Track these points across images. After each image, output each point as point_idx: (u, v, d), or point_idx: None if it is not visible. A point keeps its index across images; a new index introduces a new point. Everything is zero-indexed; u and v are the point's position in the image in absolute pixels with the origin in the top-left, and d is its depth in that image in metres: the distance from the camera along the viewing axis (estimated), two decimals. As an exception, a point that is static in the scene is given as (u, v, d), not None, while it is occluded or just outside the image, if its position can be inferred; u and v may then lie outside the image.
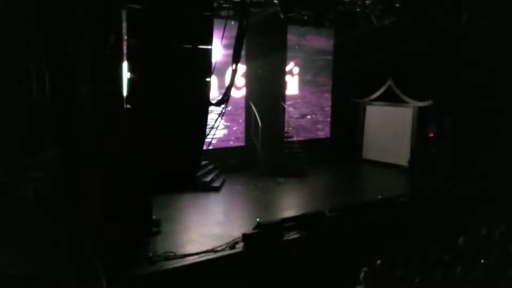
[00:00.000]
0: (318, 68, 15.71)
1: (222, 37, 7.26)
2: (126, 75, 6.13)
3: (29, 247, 5.05)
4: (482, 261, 7.01)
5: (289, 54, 14.84)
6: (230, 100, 13.22)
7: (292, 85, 15.38)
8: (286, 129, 14.84)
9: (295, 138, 14.55)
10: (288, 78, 15.10)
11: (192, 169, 6.88)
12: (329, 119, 16.17)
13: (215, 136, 11.29)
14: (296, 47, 15.05)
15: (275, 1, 11.17)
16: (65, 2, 6.46)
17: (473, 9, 11.63)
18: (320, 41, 15.54)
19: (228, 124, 13.87)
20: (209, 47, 6.15)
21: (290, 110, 14.85)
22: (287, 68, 15.01)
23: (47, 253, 5.14)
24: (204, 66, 6.19)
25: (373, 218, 9.37)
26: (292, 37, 14.81)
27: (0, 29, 5.99)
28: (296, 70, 15.35)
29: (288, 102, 14.99)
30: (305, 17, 11.22)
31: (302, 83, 15.48)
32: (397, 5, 10.97)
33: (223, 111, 7.27)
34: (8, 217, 5.16)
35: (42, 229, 5.23)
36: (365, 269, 6.63)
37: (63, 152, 6.07)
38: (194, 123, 6.44)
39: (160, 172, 6.55)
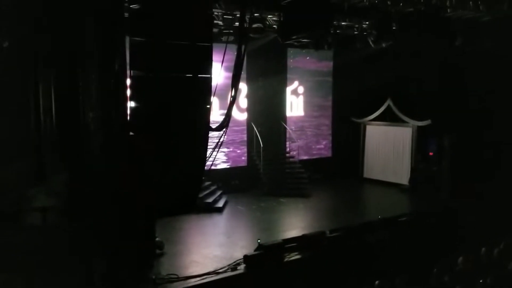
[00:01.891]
0: (318, 89, 15.98)
1: (222, 62, 7.49)
2: (129, 103, 6.36)
3: (37, 274, 5.22)
4: (481, 280, 7.08)
5: (290, 75, 15.14)
6: (234, 122, 13.64)
7: (297, 106, 15.65)
8: (287, 149, 15.05)
9: (296, 158, 14.74)
10: (292, 98, 15.39)
11: (194, 192, 7.06)
12: (330, 139, 16.37)
13: (217, 158, 11.54)
14: (296, 69, 15.34)
15: (274, 26, 11.49)
16: (73, 33, 6.72)
17: (468, 32, 11.93)
18: (320, 63, 15.83)
19: (229, 147, 14.08)
20: (208, 75, 6.39)
21: (291, 130, 15.05)
22: (292, 88, 15.31)
23: (56, 279, 5.31)
24: (204, 94, 6.44)
25: (374, 238, 9.47)
26: (292, 59, 15.13)
27: (12, 63, 6.27)
28: (301, 89, 15.63)
29: (290, 122, 15.23)
30: (304, 41, 11.49)
31: (303, 103, 15.76)
32: (394, 28, 11.21)
33: (224, 135, 7.48)
34: (17, 245, 5.35)
35: (50, 256, 5.40)
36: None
37: (71, 178, 6.28)
38: (195, 148, 6.65)
39: (163, 195, 6.73)
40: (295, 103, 15.56)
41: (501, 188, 11.59)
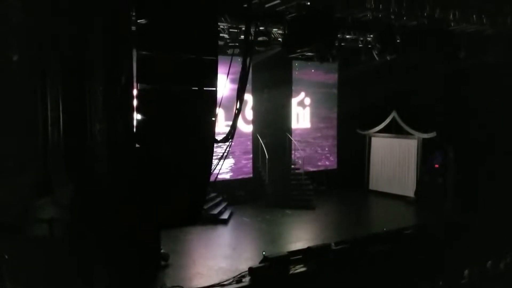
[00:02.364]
0: (323, 101, 16.06)
1: (228, 74, 7.56)
2: (136, 115, 6.44)
3: (42, 285, 5.27)
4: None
5: (296, 87, 15.25)
6: (240, 133, 13.72)
7: (303, 118, 15.74)
8: (293, 160, 15.08)
9: (302, 170, 14.76)
10: (299, 110, 15.47)
11: (199, 204, 7.10)
12: (335, 151, 16.40)
13: (222, 170, 11.59)
14: (302, 81, 15.45)
15: (279, 39, 11.60)
16: (81, 47, 6.84)
17: (472, 45, 11.98)
18: (325, 75, 15.94)
19: (232, 158, 14.14)
20: (213, 88, 6.47)
21: (297, 142, 15.10)
22: (298, 99, 15.40)
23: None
24: (209, 106, 6.50)
25: (379, 250, 9.45)
26: (298, 71, 15.24)
27: (21, 76, 6.39)
28: (307, 101, 15.72)
29: (296, 134, 15.29)
30: (309, 54, 11.58)
31: (309, 115, 15.85)
32: (398, 41, 11.29)
33: (229, 148, 7.54)
34: (23, 256, 5.41)
35: (55, 267, 5.46)
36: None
37: (77, 190, 6.35)
38: (200, 160, 6.69)
39: (168, 207, 6.77)
40: (301, 115, 15.66)
41: (507, 199, 11.54)
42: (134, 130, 6.51)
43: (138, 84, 6.11)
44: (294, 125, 15.43)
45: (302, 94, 15.58)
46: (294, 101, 15.40)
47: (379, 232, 10.14)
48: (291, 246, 9.48)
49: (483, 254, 8.76)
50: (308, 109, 15.78)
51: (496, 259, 8.47)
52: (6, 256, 5.40)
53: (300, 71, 15.35)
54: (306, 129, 15.77)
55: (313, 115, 15.90)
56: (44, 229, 5.87)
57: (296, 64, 15.05)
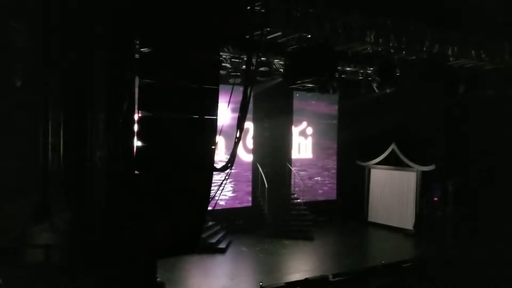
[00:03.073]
0: (324, 132, 16.18)
1: (229, 103, 7.63)
2: (136, 142, 6.48)
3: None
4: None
5: (297, 117, 15.38)
6: (241, 163, 13.77)
7: (305, 148, 15.82)
8: (292, 190, 15.07)
9: (301, 200, 14.73)
10: (301, 140, 15.55)
11: (196, 233, 7.06)
12: (335, 182, 16.39)
13: (221, 198, 11.59)
14: (302, 112, 15.59)
15: (280, 70, 11.79)
16: (83, 74, 6.95)
17: (471, 80, 12.15)
18: (326, 106, 16.10)
19: (233, 185, 14.13)
20: (214, 117, 6.53)
21: (297, 172, 15.12)
22: (300, 129, 15.50)
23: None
24: (209, 134, 6.54)
25: (377, 283, 9.34)
26: (298, 102, 15.41)
27: (23, 101, 6.47)
28: (309, 130, 15.82)
29: (296, 164, 15.32)
30: (309, 85, 11.75)
31: (311, 145, 15.96)
32: (397, 74, 11.46)
33: (228, 176, 7.54)
34: (19, 281, 5.37)
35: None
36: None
37: (75, 216, 6.34)
38: (199, 188, 6.70)
39: (165, 235, 6.73)
40: (303, 145, 15.74)
41: (506, 234, 11.48)
42: (134, 156, 6.55)
43: (140, 111, 6.17)
44: (296, 155, 15.50)
45: (304, 124, 15.70)
46: (296, 130, 15.52)
47: (377, 264, 10.04)
48: (289, 277, 9.39)
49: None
50: (310, 139, 15.87)
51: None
52: (1, 281, 5.36)
53: (302, 101, 15.53)
54: (307, 159, 15.82)
55: (314, 146, 15.98)
56: (41, 255, 5.83)
57: (297, 94, 15.23)
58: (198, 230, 7.02)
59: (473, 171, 12.97)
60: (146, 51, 6.33)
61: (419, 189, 14.34)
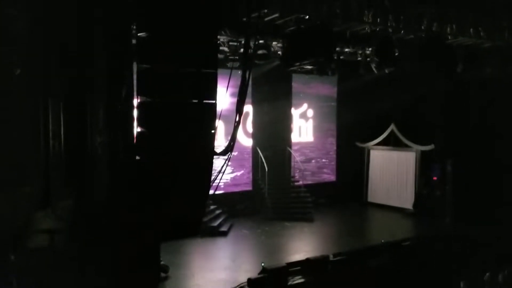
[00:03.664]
0: (323, 114, 16.18)
1: (227, 87, 7.63)
2: (136, 128, 6.52)
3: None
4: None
5: (298, 99, 15.38)
6: (241, 147, 13.82)
7: (306, 132, 15.84)
8: (292, 173, 15.14)
9: (301, 182, 14.81)
10: (301, 122, 15.57)
11: (198, 216, 7.13)
12: (334, 164, 16.47)
13: (222, 182, 11.67)
14: (301, 94, 15.58)
15: (278, 53, 11.74)
16: (82, 60, 6.94)
17: (470, 59, 12.11)
18: (324, 88, 16.08)
19: (234, 169, 14.20)
20: (213, 101, 6.55)
21: (297, 155, 15.18)
22: (301, 111, 15.51)
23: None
24: (209, 119, 6.57)
25: (377, 262, 9.47)
26: (298, 85, 15.38)
27: (23, 89, 6.49)
28: (310, 113, 15.83)
29: (296, 147, 15.37)
30: (308, 67, 11.71)
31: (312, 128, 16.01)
32: (396, 54, 11.41)
33: (228, 160, 7.59)
34: (22, 267, 5.45)
35: (55, 278, 5.50)
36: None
37: (76, 202, 6.40)
38: (199, 172, 6.75)
39: (167, 219, 6.81)
40: (303, 128, 15.77)
41: (505, 213, 11.58)
42: (134, 142, 6.59)
43: (139, 97, 6.19)
44: (296, 138, 15.54)
45: (305, 106, 15.70)
46: (296, 113, 15.52)
47: (377, 244, 10.16)
48: (290, 258, 9.51)
49: (481, 267, 8.78)
50: (310, 122, 15.89)
51: (494, 272, 8.49)
52: (12, 257, 5.45)
53: (302, 84, 15.50)
54: (307, 143, 15.87)
55: (315, 128, 16.03)
56: (45, 240, 5.91)
57: (297, 77, 15.19)
58: (200, 214, 7.11)
59: (472, 150, 13.01)
60: (144, 36, 6.32)
61: (418, 169, 14.43)
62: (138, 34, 6.44)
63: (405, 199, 14.70)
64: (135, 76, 6.54)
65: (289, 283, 8.39)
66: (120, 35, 6.97)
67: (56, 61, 6.84)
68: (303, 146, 15.77)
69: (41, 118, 6.83)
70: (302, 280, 8.52)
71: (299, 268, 8.77)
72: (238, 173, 14.28)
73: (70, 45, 6.74)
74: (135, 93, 6.65)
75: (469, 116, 13.31)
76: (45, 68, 6.80)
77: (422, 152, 14.33)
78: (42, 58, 6.81)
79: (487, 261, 9.16)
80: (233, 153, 8.00)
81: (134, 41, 7.23)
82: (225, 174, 12.51)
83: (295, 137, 15.56)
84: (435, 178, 13.91)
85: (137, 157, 6.37)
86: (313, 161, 16.03)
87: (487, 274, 8.45)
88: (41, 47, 6.73)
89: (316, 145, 16.12)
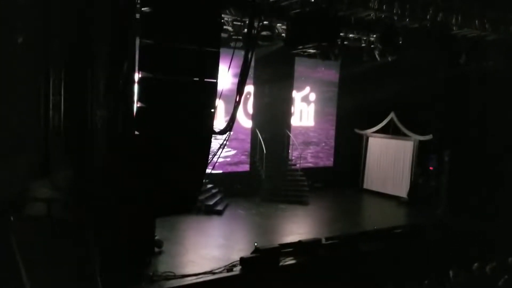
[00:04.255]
0: (323, 99, 16.18)
1: (229, 67, 7.64)
2: (136, 103, 6.55)
3: (37, 263, 5.42)
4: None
5: (300, 82, 15.40)
6: (241, 128, 13.85)
7: (308, 116, 15.87)
8: (290, 156, 15.22)
9: (298, 166, 14.90)
10: (303, 106, 15.61)
11: (194, 193, 7.24)
12: (332, 149, 16.54)
13: (220, 162, 11.78)
14: (303, 78, 15.56)
15: (282, 35, 11.70)
16: (85, 33, 6.93)
17: (473, 51, 12.08)
18: (328, 73, 16.05)
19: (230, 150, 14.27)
20: (214, 80, 6.58)
21: (295, 138, 15.23)
22: (303, 94, 15.53)
23: (54, 270, 5.50)
24: (209, 97, 6.61)
25: (368, 247, 9.62)
26: (301, 68, 15.35)
27: (25, 58, 6.50)
28: (312, 96, 15.83)
29: (295, 131, 15.43)
30: (311, 51, 11.68)
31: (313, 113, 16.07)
32: (400, 42, 11.38)
33: (227, 140, 7.65)
34: (20, 233, 5.55)
35: (51, 246, 5.60)
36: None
37: (75, 174, 6.48)
38: (197, 150, 6.81)
39: (164, 195, 6.89)
40: (305, 112, 15.80)
41: (497, 205, 11.71)
42: (134, 117, 6.63)
43: (140, 72, 6.21)
44: (297, 122, 15.58)
45: (307, 89, 15.69)
46: (298, 96, 15.52)
47: (369, 230, 10.29)
48: (283, 239, 9.62)
49: (470, 257, 8.91)
50: (312, 106, 15.90)
51: (482, 262, 8.61)
52: (12, 218, 5.55)
53: (305, 67, 15.46)
54: (308, 127, 15.92)
55: (316, 113, 16.08)
56: (42, 208, 6.00)
57: (301, 60, 15.13)
58: (196, 191, 7.21)
59: (469, 142, 13.07)
60: (148, 10, 6.31)
61: (415, 158, 14.51)
62: (142, 9, 6.43)
63: (401, 187, 14.81)
64: (137, 51, 6.58)
65: (281, 263, 8.54)
66: (124, 9, 6.95)
67: (58, 32, 6.84)
68: (303, 130, 15.81)
69: (42, 88, 6.86)
70: (293, 261, 8.67)
71: (291, 249, 8.91)
72: (236, 154, 14.35)
73: (72, 17, 6.74)
74: (136, 68, 6.68)
75: (468, 108, 13.32)
76: (46, 38, 6.80)
77: (420, 141, 14.38)
78: (44, 28, 6.81)
79: (476, 251, 9.29)
80: (232, 134, 8.07)
81: (138, 16, 7.26)
82: (223, 155, 12.61)
83: (295, 121, 15.59)
84: (431, 168, 14.00)
85: (136, 132, 6.44)
86: (311, 145, 16.08)
87: (475, 264, 8.57)
88: (43, 16, 6.72)
89: (316, 129, 16.17)
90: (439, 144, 13.67)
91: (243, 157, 14.50)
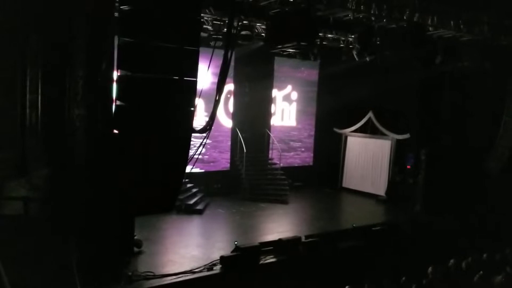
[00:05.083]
0: (307, 99, 16.30)
1: (209, 67, 7.65)
2: (115, 102, 6.50)
3: (16, 259, 5.34)
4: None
5: (281, 82, 15.50)
6: (222, 128, 13.84)
7: (289, 116, 15.95)
8: (270, 155, 15.29)
9: (278, 165, 14.97)
10: (284, 105, 15.66)
11: (173, 193, 7.20)
12: (312, 148, 16.66)
13: (200, 161, 11.77)
14: (283, 78, 15.64)
15: (262, 34, 11.74)
16: (62, 31, 6.85)
17: (448, 51, 12.33)
18: (308, 73, 16.16)
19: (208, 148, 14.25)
20: (194, 78, 6.56)
21: (276, 137, 15.29)
22: (284, 93, 15.57)
23: (32, 266, 5.43)
24: (189, 96, 6.59)
25: (347, 245, 9.74)
26: (281, 67, 15.41)
27: (2, 57, 6.39)
28: (294, 95, 15.90)
29: (275, 130, 15.48)
30: (290, 50, 11.77)
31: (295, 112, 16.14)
32: (377, 42, 11.54)
33: (206, 138, 7.64)
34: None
35: (29, 244, 5.53)
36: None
37: (53, 172, 6.40)
38: (177, 149, 6.79)
39: (143, 194, 6.85)
40: (286, 111, 15.87)
41: (472, 202, 11.97)
42: (113, 116, 6.58)
43: (119, 71, 6.16)
44: (278, 122, 15.63)
45: (289, 88, 15.77)
46: (280, 95, 15.58)
47: (348, 228, 10.41)
48: (263, 238, 9.66)
49: (446, 253, 9.08)
50: (294, 105, 15.99)
51: (458, 259, 8.80)
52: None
53: (287, 67, 15.56)
54: (290, 127, 16.01)
55: (298, 113, 16.21)
56: (20, 207, 5.92)
57: (282, 60, 15.20)
58: (176, 190, 7.17)
59: (445, 140, 13.35)
60: (126, 8, 6.26)
61: (393, 157, 14.73)
62: (121, 7, 6.38)
63: (379, 186, 15.03)
64: (116, 50, 6.52)
65: (261, 262, 8.58)
66: (102, 6, 6.90)
67: (36, 29, 6.75)
68: (284, 129, 15.90)
69: (19, 87, 6.77)
70: (273, 260, 8.72)
71: (271, 248, 8.95)
72: (216, 153, 14.33)
73: (51, 15, 6.66)
74: (115, 66, 6.63)
75: (443, 107, 13.59)
76: (23, 36, 6.71)
77: (398, 140, 14.61)
78: (21, 25, 6.71)
79: (452, 248, 9.47)
80: (212, 134, 8.05)
81: (116, 14, 7.20)
82: (203, 154, 12.59)
83: (277, 121, 15.66)
84: (408, 166, 14.24)
85: (115, 131, 6.38)
86: (291, 143, 16.19)
87: (452, 260, 8.75)
88: (20, 13, 6.63)
89: (297, 129, 16.29)
90: (416, 143, 13.90)
91: (223, 156, 14.47)
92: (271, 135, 15.19)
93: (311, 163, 16.69)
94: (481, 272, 8.07)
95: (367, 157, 15.55)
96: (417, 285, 7.65)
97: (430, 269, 8.29)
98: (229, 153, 14.55)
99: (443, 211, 11.78)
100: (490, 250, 9.15)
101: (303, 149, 16.55)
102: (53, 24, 6.71)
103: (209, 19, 11.15)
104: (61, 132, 6.75)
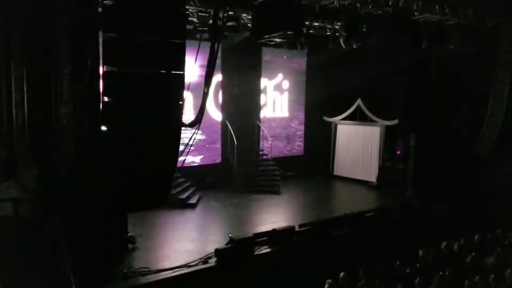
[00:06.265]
0: (297, 88, 16.27)
1: (196, 59, 7.60)
2: (102, 98, 6.44)
3: (7, 261, 5.30)
4: (441, 273, 7.41)
5: (271, 71, 15.45)
6: (212, 121, 13.78)
7: (281, 105, 15.91)
8: (261, 147, 15.28)
9: (269, 156, 14.98)
10: (276, 95, 15.65)
11: (165, 188, 7.17)
12: (302, 137, 16.68)
13: (191, 155, 11.73)
14: (273, 65, 15.57)
15: (248, 25, 11.68)
16: (46, 28, 6.75)
17: (435, 35, 12.36)
18: (294, 62, 16.12)
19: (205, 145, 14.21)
20: (181, 72, 6.51)
21: (266, 128, 15.29)
22: (275, 82, 15.56)
23: (25, 268, 5.39)
24: (177, 90, 6.54)
25: (340, 232, 9.80)
26: (270, 57, 15.36)
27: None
28: (286, 84, 15.85)
29: (265, 120, 15.47)
30: (277, 40, 11.72)
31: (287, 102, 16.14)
32: (364, 29, 11.54)
33: (196, 132, 7.62)
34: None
35: (20, 245, 5.49)
36: (329, 280, 7.02)
37: (42, 172, 6.33)
38: (167, 144, 6.76)
39: (135, 190, 6.82)
40: (278, 101, 15.86)
41: (462, 186, 12.09)
42: (101, 112, 6.52)
43: (105, 67, 6.10)
44: (270, 114, 15.60)
45: (280, 76, 15.72)
46: (271, 84, 15.53)
47: (340, 215, 10.47)
48: (257, 229, 9.67)
49: (438, 236, 9.20)
50: (286, 95, 15.97)
51: (450, 241, 8.92)
52: None
53: (276, 57, 15.49)
54: (280, 118, 15.99)
55: (290, 103, 16.18)
56: (9, 209, 5.86)
57: (271, 50, 15.13)
58: (167, 185, 7.14)
59: (435, 126, 13.45)
60: (109, 3, 6.19)
61: (383, 143, 14.81)
62: (104, 2, 6.30)
63: (370, 172, 15.11)
64: (101, 46, 6.44)
65: (256, 253, 8.61)
66: (85, 3, 6.80)
67: (19, 28, 6.64)
68: (274, 119, 15.88)
69: (3, 86, 6.67)
70: (268, 250, 8.75)
71: (265, 238, 8.98)
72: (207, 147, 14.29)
73: (35, 13, 6.55)
74: (101, 63, 6.56)
75: (431, 91, 13.67)
76: (6, 34, 6.60)
77: (387, 127, 14.67)
78: (4, 24, 6.60)
79: (443, 231, 9.59)
80: (202, 127, 8.02)
81: (100, 9, 7.11)
82: (194, 148, 12.53)
83: (269, 112, 15.64)
84: (398, 152, 14.33)
85: (104, 127, 6.33)
86: (282, 133, 16.19)
87: (444, 243, 8.86)
88: (4, 12, 6.52)
89: (288, 118, 16.28)
90: (405, 128, 13.98)
91: (214, 149, 14.43)
92: (261, 126, 15.17)
93: (302, 153, 16.71)
94: (473, 253, 8.19)
95: (357, 144, 15.61)
96: (411, 268, 7.75)
97: (421, 252, 8.41)
98: (220, 146, 14.50)
99: (433, 195, 11.88)
100: (481, 231, 9.29)
101: (294, 139, 16.55)
102: (36, 23, 6.60)
103: (194, 11, 11.05)
104: (48, 131, 6.67)
